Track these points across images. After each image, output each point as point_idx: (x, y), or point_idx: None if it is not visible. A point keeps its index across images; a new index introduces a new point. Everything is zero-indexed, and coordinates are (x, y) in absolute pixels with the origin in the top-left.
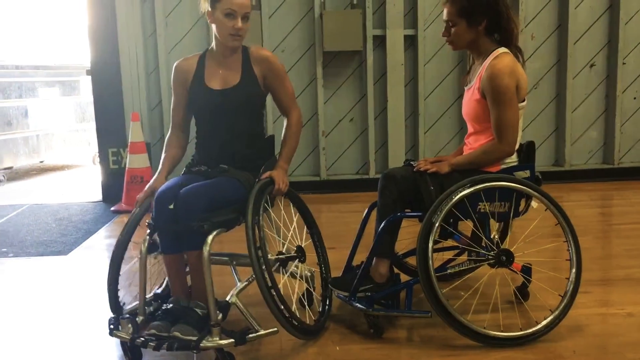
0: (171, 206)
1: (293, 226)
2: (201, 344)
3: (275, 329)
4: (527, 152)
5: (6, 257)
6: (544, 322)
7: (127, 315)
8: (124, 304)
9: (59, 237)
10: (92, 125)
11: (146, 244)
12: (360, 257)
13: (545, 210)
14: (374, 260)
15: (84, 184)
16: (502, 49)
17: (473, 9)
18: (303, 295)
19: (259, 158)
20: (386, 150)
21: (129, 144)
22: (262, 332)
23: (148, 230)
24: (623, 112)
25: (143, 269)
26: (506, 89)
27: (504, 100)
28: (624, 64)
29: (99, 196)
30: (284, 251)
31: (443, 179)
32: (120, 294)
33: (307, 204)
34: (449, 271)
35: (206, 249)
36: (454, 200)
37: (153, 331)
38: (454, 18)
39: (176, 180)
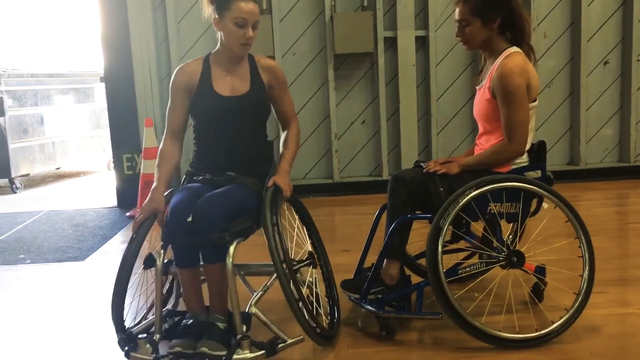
0: (189, 218)
1: (296, 231)
2: (233, 358)
3: (302, 337)
4: (538, 152)
5: (23, 263)
6: (560, 322)
7: (145, 335)
8: (133, 326)
9: (76, 243)
10: (106, 132)
11: (162, 258)
12: (371, 259)
13: (555, 208)
14: (384, 262)
15: (100, 190)
16: (514, 48)
17: (487, 6)
18: (316, 300)
19: (263, 163)
20: (399, 151)
21: (142, 149)
22: (289, 341)
23: (162, 243)
24: (638, 110)
25: (159, 285)
26: (516, 88)
27: (514, 100)
28: (638, 60)
29: (114, 202)
30: (293, 257)
31: (453, 180)
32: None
33: (320, 206)
34: (460, 273)
35: (229, 261)
36: (461, 202)
37: (178, 349)
38: (468, 17)
39: (188, 191)
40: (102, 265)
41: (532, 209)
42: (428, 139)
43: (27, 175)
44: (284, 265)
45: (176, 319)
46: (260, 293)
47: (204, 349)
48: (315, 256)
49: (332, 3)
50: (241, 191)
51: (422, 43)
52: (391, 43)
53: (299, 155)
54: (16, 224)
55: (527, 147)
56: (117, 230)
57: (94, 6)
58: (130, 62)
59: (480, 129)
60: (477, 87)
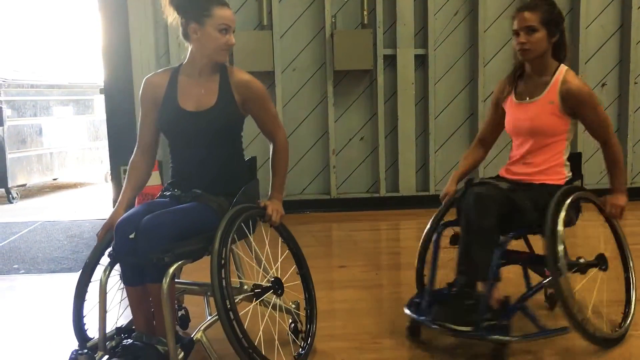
0: (132, 236)
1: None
2: None
3: None
4: (576, 163)
5: (17, 273)
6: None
7: (86, 351)
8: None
9: (70, 254)
10: (104, 144)
11: (107, 274)
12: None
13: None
14: (485, 286)
15: (96, 202)
16: (564, 66)
17: (552, 19)
18: (292, 329)
19: (236, 181)
20: (396, 169)
21: None
22: None
23: (109, 260)
24: (635, 132)
25: (102, 300)
26: (593, 94)
27: (596, 105)
28: (635, 83)
29: (110, 213)
30: (261, 283)
31: (533, 193)
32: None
33: (317, 222)
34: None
35: (166, 282)
36: (563, 208)
37: None
38: (537, 24)
39: (139, 208)
40: (96, 277)
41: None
42: (426, 157)
43: (24, 185)
44: (222, 281)
45: (124, 336)
46: (213, 318)
47: None
48: (305, 299)
49: (333, 20)
50: (198, 211)
51: (422, 61)
52: (390, 61)
53: (296, 170)
54: (11, 234)
55: (566, 156)
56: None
57: (95, 18)
58: (130, 75)
59: (529, 146)
60: (516, 102)
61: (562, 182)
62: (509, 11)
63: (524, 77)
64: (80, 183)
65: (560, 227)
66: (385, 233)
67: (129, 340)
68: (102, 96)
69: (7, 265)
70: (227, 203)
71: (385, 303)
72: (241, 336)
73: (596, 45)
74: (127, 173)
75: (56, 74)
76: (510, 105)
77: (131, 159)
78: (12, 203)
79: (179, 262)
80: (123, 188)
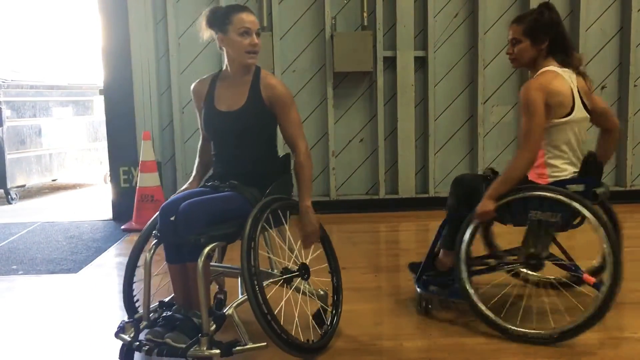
0: (172, 218)
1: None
2: (189, 352)
3: (265, 343)
4: (587, 166)
5: (16, 274)
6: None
7: (132, 319)
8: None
9: (69, 255)
10: (104, 144)
11: (152, 253)
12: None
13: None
14: (440, 252)
15: (95, 203)
16: (550, 68)
17: (537, 28)
18: (318, 313)
19: (269, 176)
20: (396, 170)
21: (140, 162)
22: (249, 345)
23: (154, 240)
24: (635, 135)
25: (147, 276)
26: (532, 101)
27: (527, 112)
28: (635, 86)
29: (109, 215)
30: (289, 268)
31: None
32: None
33: None
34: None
35: (201, 261)
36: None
37: (149, 336)
38: (520, 36)
39: (183, 194)
40: (95, 278)
41: (576, 221)
42: (425, 159)
43: (23, 186)
44: (250, 263)
45: (165, 309)
46: (244, 298)
47: (168, 340)
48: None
49: (333, 22)
50: (232, 199)
51: (421, 63)
52: (390, 63)
53: None
54: (10, 235)
55: (568, 159)
56: (112, 243)
57: (95, 19)
58: (130, 76)
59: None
60: None
61: (543, 181)
62: (509, 13)
63: None
64: (80, 184)
65: None
66: (385, 235)
67: (169, 312)
68: (102, 97)
69: (6, 266)
70: (259, 193)
71: (384, 305)
72: (267, 313)
73: (596, 47)
74: (197, 155)
75: (56, 75)
76: None
77: (199, 145)
78: (11, 204)
79: (214, 244)
80: (195, 165)
